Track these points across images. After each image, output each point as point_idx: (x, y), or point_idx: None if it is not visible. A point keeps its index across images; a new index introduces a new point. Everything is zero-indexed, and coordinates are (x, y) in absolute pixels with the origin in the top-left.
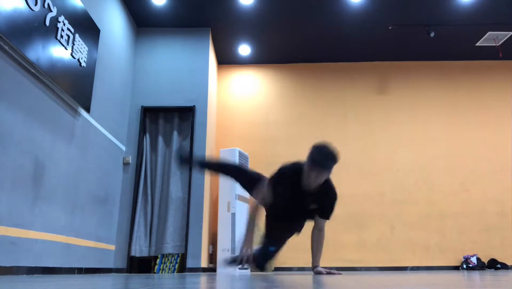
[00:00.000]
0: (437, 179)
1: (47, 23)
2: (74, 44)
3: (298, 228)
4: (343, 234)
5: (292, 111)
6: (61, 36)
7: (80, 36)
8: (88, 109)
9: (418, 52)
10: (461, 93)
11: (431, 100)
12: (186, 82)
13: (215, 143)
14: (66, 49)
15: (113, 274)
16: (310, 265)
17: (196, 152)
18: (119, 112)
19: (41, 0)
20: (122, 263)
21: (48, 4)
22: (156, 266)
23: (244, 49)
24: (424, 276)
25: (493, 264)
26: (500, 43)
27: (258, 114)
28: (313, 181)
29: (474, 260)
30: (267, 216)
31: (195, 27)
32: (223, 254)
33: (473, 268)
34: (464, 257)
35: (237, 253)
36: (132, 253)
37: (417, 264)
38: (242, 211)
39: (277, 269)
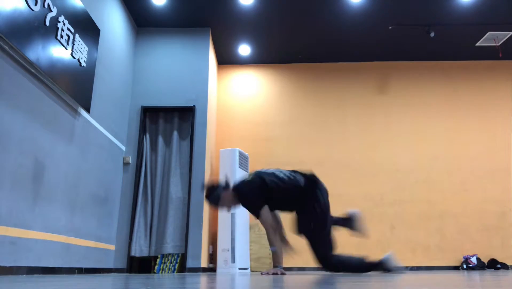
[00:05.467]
0: (437, 179)
1: (47, 23)
2: (74, 44)
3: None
4: (343, 234)
5: (292, 111)
6: (61, 36)
7: (80, 36)
8: (88, 109)
9: (418, 52)
10: (461, 93)
11: (431, 100)
12: (186, 82)
13: (215, 143)
14: (66, 49)
15: (113, 274)
16: (310, 265)
17: (196, 151)
18: (119, 112)
19: (41, 0)
20: (122, 263)
21: (48, 4)
22: (156, 266)
23: (244, 49)
24: (424, 276)
25: (493, 264)
26: (500, 43)
27: (258, 114)
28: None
29: (474, 260)
30: None
31: (195, 27)
32: (223, 254)
33: (473, 268)
34: (464, 257)
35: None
36: (132, 253)
37: (417, 264)
38: (241, 210)
39: None
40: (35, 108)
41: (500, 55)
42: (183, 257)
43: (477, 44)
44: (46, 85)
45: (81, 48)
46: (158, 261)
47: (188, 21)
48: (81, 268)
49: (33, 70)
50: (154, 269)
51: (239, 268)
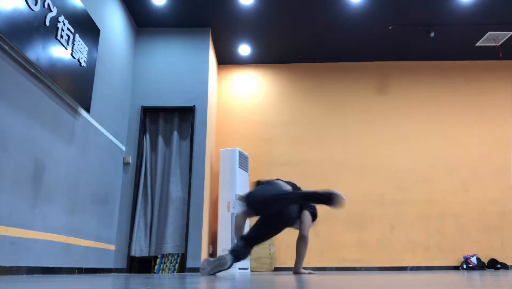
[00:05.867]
0: (437, 179)
1: (47, 23)
2: (74, 44)
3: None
4: (343, 234)
5: (292, 111)
6: (61, 36)
7: (80, 36)
8: (88, 109)
9: (418, 52)
10: (461, 93)
11: (431, 100)
12: (186, 82)
13: (215, 143)
14: (66, 49)
15: (113, 274)
16: (309, 265)
17: (196, 151)
18: (119, 112)
19: (41, 0)
20: (122, 263)
21: (48, 4)
22: (156, 266)
23: (244, 49)
24: (424, 276)
25: (493, 264)
26: (500, 43)
27: (258, 114)
28: None
29: (474, 260)
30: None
31: (195, 27)
32: (223, 254)
33: (473, 268)
34: (464, 257)
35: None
36: (132, 253)
37: (417, 264)
38: None
39: (277, 269)
40: (35, 108)
41: (500, 55)
42: (183, 257)
43: (477, 44)
44: (46, 85)
45: (81, 48)
46: (158, 261)
47: (188, 21)
48: (81, 268)
49: (33, 70)
50: (154, 269)
51: (239, 268)
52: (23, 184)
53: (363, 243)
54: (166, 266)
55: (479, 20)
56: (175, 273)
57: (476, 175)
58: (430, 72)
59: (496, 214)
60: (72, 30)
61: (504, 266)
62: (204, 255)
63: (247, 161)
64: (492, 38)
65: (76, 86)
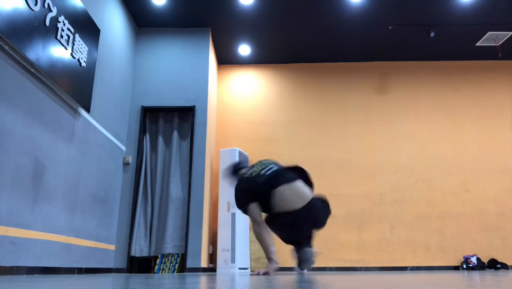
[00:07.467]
0: (437, 179)
1: (47, 23)
2: (74, 44)
3: None
4: (343, 234)
5: (292, 111)
6: (61, 36)
7: (80, 36)
8: (88, 109)
9: (418, 52)
10: (461, 93)
11: (431, 100)
12: (186, 82)
13: (215, 143)
14: (66, 49)
15: (113, 274)
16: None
17: (196, 151)
18: (119, 112)
19: (41, 0)
20: (122, 263)
21: (48, 4)
22: (156, 266)
23: (244, 49)
24: (424, 276)
25: (493, 264)
26: (500, 43)
27: (258, 114)
28: None
29: (474, 260)
30: None
31: (195, 27)
32: (223, 254)
33: (473, 268)
34: (464, 257)
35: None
36: (132, 253)
37: (417, 264)
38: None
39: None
40: (35, 108)
41: (500, 55)
42: (183, 257)
43: (477, 44)
44: (46, 85)
45: (81, 48)
46: (158, 261)
47: (188, 21)
48: (81, 268)
49: (33, 70)
50: (154, 269)
51: (239, 268)
52: (23, 184)
53: (363, 243)
54: (166, 266)
55: (479, 20)
56: (175, 273)
57: (476, 175)
58: (430, 72)
59: (496, 214)
60: (72, 30)
61: (504, 266)
62: (204, 255)
63: (247, 161)
64: (492, 38)
65: (76, 86)
